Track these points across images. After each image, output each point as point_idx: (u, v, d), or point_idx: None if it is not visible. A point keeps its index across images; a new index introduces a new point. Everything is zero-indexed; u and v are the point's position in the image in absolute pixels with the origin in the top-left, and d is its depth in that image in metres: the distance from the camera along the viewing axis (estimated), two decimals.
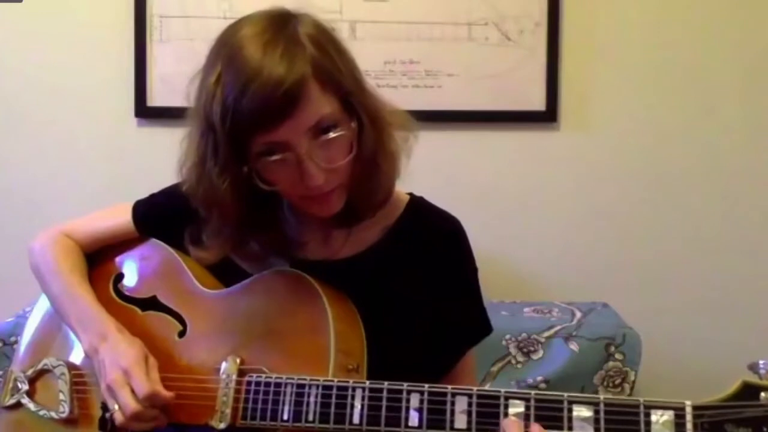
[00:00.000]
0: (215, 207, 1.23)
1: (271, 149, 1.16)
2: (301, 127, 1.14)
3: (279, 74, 1.11)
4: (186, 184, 1.26)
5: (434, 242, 1.35)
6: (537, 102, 2.60)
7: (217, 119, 1.14)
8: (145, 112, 2.61)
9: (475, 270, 1.39)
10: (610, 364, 2.15)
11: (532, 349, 2.17)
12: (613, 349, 2.15)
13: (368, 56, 2.56)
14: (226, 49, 1.16)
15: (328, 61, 1.17)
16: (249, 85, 1.11)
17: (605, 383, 2.15)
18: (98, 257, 1.48)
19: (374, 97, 1.26)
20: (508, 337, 2.17)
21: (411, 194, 1.41)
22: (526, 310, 2.39)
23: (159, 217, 1.43)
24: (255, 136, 1.14)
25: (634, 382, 2.15)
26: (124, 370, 1.24)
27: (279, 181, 1.20)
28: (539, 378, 2.14)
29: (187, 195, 1.26)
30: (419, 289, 1.32)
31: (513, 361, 2.16)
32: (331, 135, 1.17)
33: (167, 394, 1.24)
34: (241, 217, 1.24)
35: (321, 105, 1.15)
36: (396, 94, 2.56)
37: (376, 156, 1.23)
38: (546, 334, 2.18)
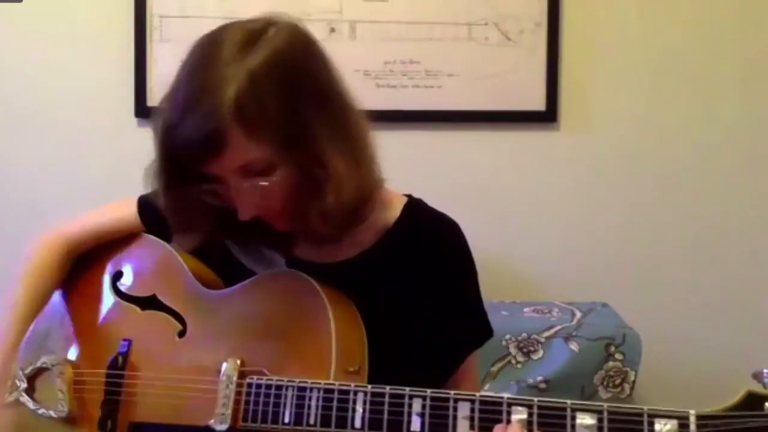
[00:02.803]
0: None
1: (206, 176, 1.18)
2: (226, 168, 1.15)
3: (205, 114, 1.11)
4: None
5: (432, 245, 1.35)
6: (537, 102, 2.60)
7: (158, 148, 1.18)
8: (145, 112, 2.60)
9: (474, 273, 1.39)
10: (610, 364, 2.15)
11: (532, 349, 2.17)
12: (613, 349, 2.16)
13: (368, 56, 2.56)
14: (188, 65, 1.18)
15: (259, 108, 1.12)
16: (183, 118, 1.13)
17: (605, 383, 2.15)
18: (98, 254, 1.48)
19: (328, 140, 1.19)
20: (508, 337, 2.17)
21: (409, 196, 1.40)
22: (526, 310, 2.39)
23: None
24: (190, 164, 1.16)
25: (634, 382, 2.15)
26: None
27: (226, 202, 1.21)
28: (539, 378, 2.14)
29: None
30: (417, 293, 1.32)
31: (513, 361, 2.17)
32: (259, 183, 1.17)
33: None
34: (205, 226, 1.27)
35: (244, 151, 1.14)
36: (396, 94, 2.57)
37: (315, 204, 1.20)
38: (546, 334, 2.18)
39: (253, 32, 1.18)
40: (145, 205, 1.45)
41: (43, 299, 1.46)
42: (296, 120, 1.16)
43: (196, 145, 1.13)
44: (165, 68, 2.58)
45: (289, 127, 1.15)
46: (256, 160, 1.15)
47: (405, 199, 1.39)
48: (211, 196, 1.21)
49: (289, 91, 1.16)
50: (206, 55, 1.16)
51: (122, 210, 1.47)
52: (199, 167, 1.16)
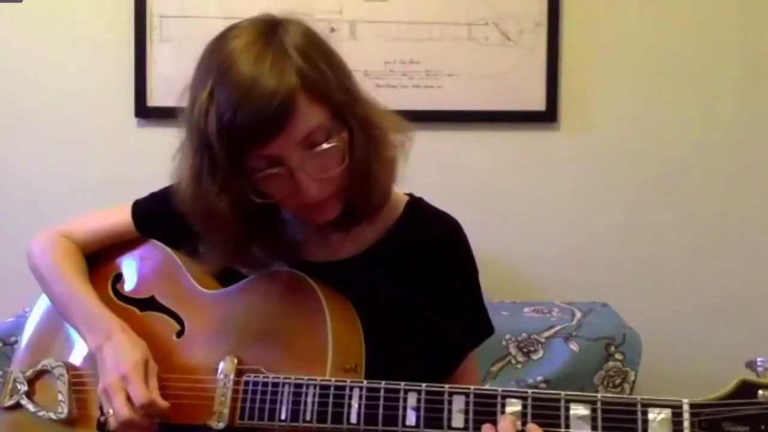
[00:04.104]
0: (213, 223, 1.22)
1: (264, 164, 1.16)
2: (292, 140, 1.14)
3: (269, 89, 1.11)
4: (181, 201, 1.25)
5: (433, 243, 1.35)
6: (537, 102, 2.60)
7: (213, 137, 1.13)
8: (145, 112, 2.61)
9: (475, 271, 1.39)
10: (610, 364, 2.15)
11: (532, 349, 2.17)
12: (613, 349, 2.15)
13: (368, 56, 2.56)
14: (216, 64, 1.16)
15: (316, 71, 1.16)
16: (243, 101, 1.11)
17: (605, 383, 2.14)
18: (97, 258, 1.48)
19: (366, 104, 1.25)
20: (508, 337, 2.16)
21: (410, 195, 1.41)
22: (526, 310, 2.39)
23: (160, 216, 1.43)
24: (250, 152, 1.14)
25: (634, 382, 2.15)
26: (122, 375, 1.24)
27: (274, 193, 1.20)
28: (539, 378, 2.14)
29: (182, 212, 1.25)
30: (418, 290, 1.32)
31: (513, 361, 2.16)
32: (323, 147, 1.17)
33: (163, 404, 1.24)
34: (240, 230, 1.23)
35: (310, 117, 1.14)
36: (396, 94, 2.57)
37: (370, 163, 1.23)
38: (546, 334, 2.18)
39: (269, 22, 1.20)
40: (139, 210, 1.45)
41: (86, 274, 1.45)
42: (343, 83, 1.20)
43: (265, 122, 1.12)
44: (165, 68, 2.59)
45: (340, 88, 1.19)
46: (318, 128, 1.16)
47: (406, 198, 1.40)
48: (256, 194, 1.19)
49: (330, 59, 1.20)
50: (234, 50, 1.15)
51: (118, 216, 1.47)
52: (261, 149, 1.14)
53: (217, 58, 1.17)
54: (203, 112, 1.14)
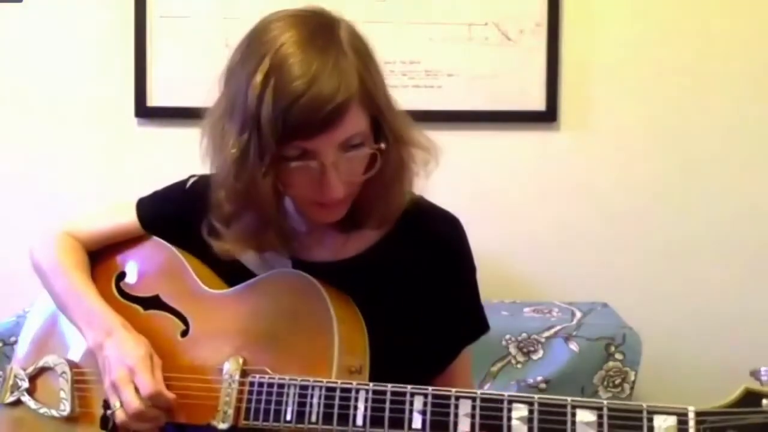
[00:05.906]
0: (252, 201, 1.21)
1: (299, 154, 1.16)
2: (336, 140, 1.15)
3: (330, 88, 1.11)
4: (219, 176, 1.23)
5: (434, 241, 1.36)
6: (537, 102, 2.60)
7: (266, 121, 1.12)
8: (145, 112, 2.60)
9: (473, 268, 1.40)
10: (610, 364, 2.15)
11: (532, 349, 2.17)
12: (613, 349, 2.15)
13: None
14: (273, 47, 1.14)
15: (370, 76, 1.17)
16: (302, 94, 1.10)
17: (605, 383, 2.14)
18: (100, 255, 1.48)
19: (401, 118, 1.26)
20: (508, 337, 2.17)
21: (410, 193, 1.41)
22: (526, 310, 2.39)
23: (165, 213, 1.43)
24: (294, 142, 1.14)
25: (634, 382, 2.15)
26: (129, 368, 1.25)
27: (296, 184, 1.20)
28: (539, 378, 2.14)
29: (218, 186, 1.24)
30: (418, 288, 1.33)
31: (513, 361, 2.16)
32: (357, 151, 1.18)
33: (170, 395, 1.25)
34: (276, 209, 1.23)
35: (358, 121, 1.16)
36: (396, 94, 2.55)
37: (394, 178, 1.25)
38: (546, 334, 2.18)
39: (324, 16, 1.20)
40: (144, 208, 1.45)
41: (88, 271, 1.44)
42: (386, 92, 1.22)
43: (317, 119, 1.11)
44: (165, 68, 2.58)
45: (385, 98, 1.21)
46: (359, 133, 1.17)
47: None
48: (278, 180, 1.19)
49: (377, 64, 1.22)
50: (293, 39, 1.14)
51: (122, 214, 1.47)
52: (304, 142, 1.14)
53: (274, 42, 1.15)
54: (256, 95, 1.13)
